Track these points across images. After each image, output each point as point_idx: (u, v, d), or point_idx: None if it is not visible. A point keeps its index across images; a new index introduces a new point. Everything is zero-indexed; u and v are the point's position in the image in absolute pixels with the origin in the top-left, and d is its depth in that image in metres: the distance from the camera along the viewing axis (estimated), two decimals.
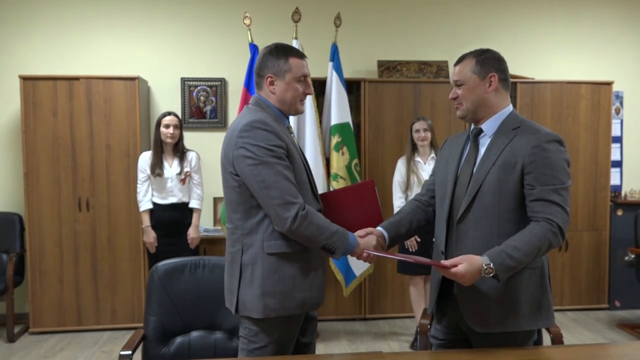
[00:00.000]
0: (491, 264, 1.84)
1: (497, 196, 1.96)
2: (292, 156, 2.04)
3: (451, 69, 2.24)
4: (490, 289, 1.97)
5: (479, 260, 1.85)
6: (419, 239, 4.13)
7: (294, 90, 2.11)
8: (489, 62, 2.05)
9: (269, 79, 2.10)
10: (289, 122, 2.23)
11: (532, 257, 1.89)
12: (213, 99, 5.22)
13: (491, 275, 1.85)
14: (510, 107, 2.09)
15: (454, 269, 1.85)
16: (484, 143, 2.06)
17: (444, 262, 1.89)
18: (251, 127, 1.98)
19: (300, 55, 2.15)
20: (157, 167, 4.17)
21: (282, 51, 2.12)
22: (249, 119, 2.01)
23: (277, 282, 2.02)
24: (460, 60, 2.10)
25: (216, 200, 5.15)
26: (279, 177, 1.95)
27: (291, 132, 2.19)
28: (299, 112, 2.20)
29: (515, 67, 5.34)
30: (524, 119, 2.07)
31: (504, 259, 1.85)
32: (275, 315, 2.02)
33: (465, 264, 1.85)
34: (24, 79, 4.60)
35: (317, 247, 2.02)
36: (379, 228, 2.22)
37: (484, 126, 2.07)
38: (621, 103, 5.70)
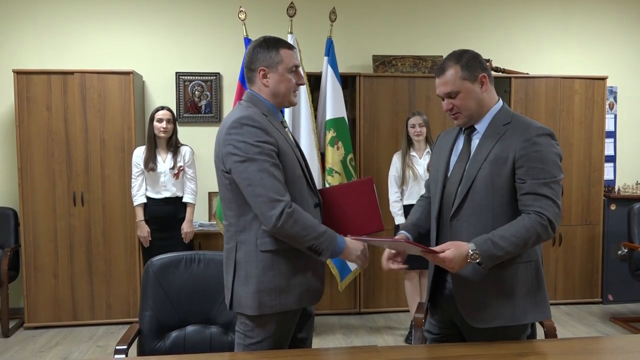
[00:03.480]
0: (477, 250, 1.87)
1: (490, 192, 1.96)
2: (283, 152, 2.01)
3: None
4: (485, 283, 1.97)
5: (466, 246, 1.88)
6: None
7: (287, 81, 2.10)
8: (472, 63, 2.01)
9: (261, 72, 2.09)
10: (282, 116, 2.21)
11: (519, 248, 1.90)
12: (208, 93, 5.20)
13: (477, 261, 1.87)
14: (500, 103, 2.09)
15: (442, 254, 1.87)
16: (476, 139, 2.06)
17: (433, 248, 1.92)
18: (239, 124, 1.96)
19: (289, 46, 2.14)
20: (150, 162, 4.17)
21: (272, 43, 2.11)
22: (238, 115, 2.00)
23: (273, 278, 2.01)
24: (442, 71, 2.04)
25: (211, 195, 5.14)
26: (264, 175, 1.92)
27: (285, 127, 2.18)
28: (292, 103, 2.18)
29: (510, 62, 5.36)
30: (514, 114, 2.06)
31: (490, 246, 1.87)
32: (271, 312, 2.01)
33: (452, 249, 1.88)
34: (18, 73, 4.58)
35: (303, 248, 1.98)
36: (402, 232, 2.22)
37: (476, 124, 2.07)
38: (615, 98, 5.72)
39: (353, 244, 2.07)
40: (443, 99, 2.07)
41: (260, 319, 2.03)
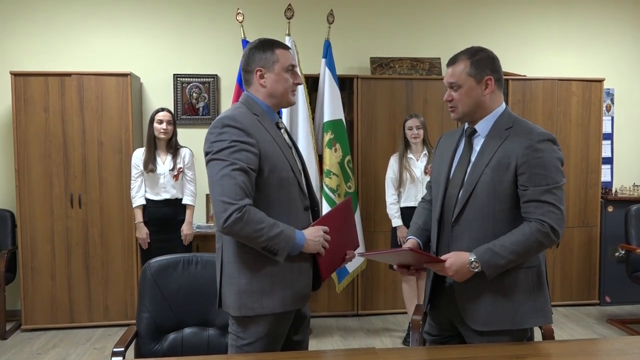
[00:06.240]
0: (477, 259, 1.88)
1: (492, 197, 1.96)
2: (267, 154, 1.99)
3: (444, 65, 2.22)
4: (486, 287, 1.97)
5: (466, 256, 1.90)
6: None
7: (284, 80, 2.10)
8: (483, 63, 2.01)
9: (258, 73, 2.09)
10: (278, 118, 2.20)
11: (522, 257, 1.91)
12: (205, 95, 5.20)
13: (477, 270, 1.89)
14: (504, 106, 2.07)
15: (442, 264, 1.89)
16: (478, 143, 2.05)
17: (434, 257, 1.93)
18: (221, 124, 1.97)
19: (285, 46, 2.15)
20: (150, 163, 4.17)
21: (267, 44, 2.12)
22: (223, 115, 2.02)
23: (254, 280, 1.99)
24: (453, 62, 2.05)
25: (209, 197, 5.14)
26: (224, 176, 1.89)
27: (280, 128, 2.16)
28: (291, 103, 2.18)
29: (507, 64, 5.36)
30: (517, 118, 2.05)
31: (490, 256, 1.89)
32: (253, 314, 2.00)
33: (451, 259, 1.91)
34: (15, 75, 4.57)
35: (258, 248, 1.94)
36: (411, 237, 2.22)
37: (477, 126, 2.06)
38: (612, 100, 5.74)
39: (313, 234, 2.01)
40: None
41: (248, 320, 2.02)
